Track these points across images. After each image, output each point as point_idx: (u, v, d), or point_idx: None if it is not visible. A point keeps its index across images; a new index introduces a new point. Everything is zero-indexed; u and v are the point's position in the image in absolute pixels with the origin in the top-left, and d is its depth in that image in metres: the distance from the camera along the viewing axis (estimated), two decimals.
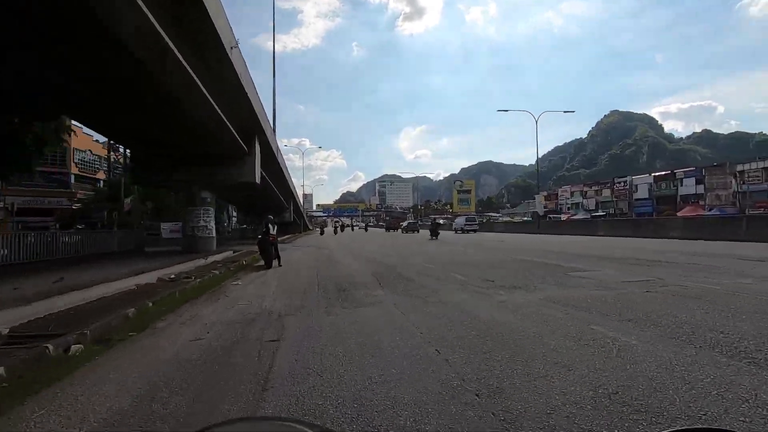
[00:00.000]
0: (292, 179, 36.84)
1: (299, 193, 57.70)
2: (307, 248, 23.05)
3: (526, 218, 66.27)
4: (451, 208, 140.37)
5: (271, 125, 21.28)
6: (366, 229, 61.77)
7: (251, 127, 16.65)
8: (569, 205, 78.03)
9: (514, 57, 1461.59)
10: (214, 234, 18.24)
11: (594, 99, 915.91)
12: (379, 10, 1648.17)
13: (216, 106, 12.26)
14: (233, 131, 14.77)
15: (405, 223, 52.42)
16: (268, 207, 30.80)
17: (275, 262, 13.18)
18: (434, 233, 28.14)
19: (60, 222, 27.77)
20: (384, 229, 59.84)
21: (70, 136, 21.98)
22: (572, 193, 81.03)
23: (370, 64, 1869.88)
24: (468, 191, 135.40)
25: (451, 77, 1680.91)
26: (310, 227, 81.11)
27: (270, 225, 13.62)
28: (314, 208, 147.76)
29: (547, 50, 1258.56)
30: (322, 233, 42.89)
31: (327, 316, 5.33)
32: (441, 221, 39.64)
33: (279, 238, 14.53)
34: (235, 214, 52.01)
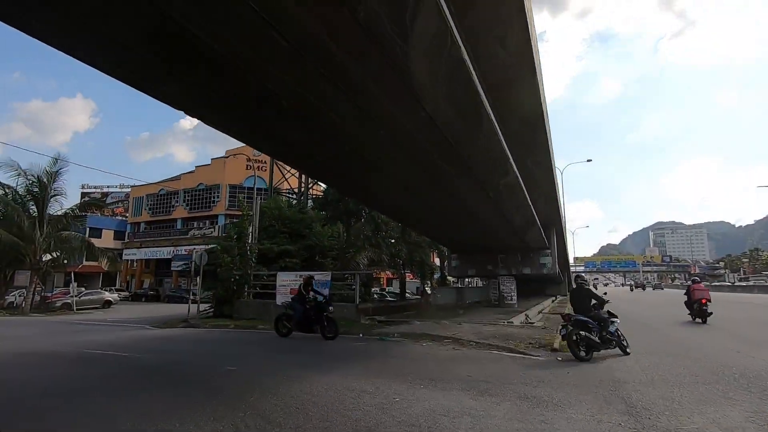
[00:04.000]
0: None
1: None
2: None
3: None
4: None
5: None
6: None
7: None
8: None
9: None
10: None
11: None
12: (635, 36, 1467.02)
13: None
14: None
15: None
16: (504, 245, 19.15)
17: None
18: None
19: None
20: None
21: None
22: None
23: (627, 99, 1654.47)
24: None
25: (748, 92, 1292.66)
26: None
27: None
28: (571, 262, 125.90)
29: None
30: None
31: None
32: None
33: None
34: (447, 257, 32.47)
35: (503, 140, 8.33)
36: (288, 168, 29.59)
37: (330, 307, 10.26)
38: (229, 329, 12.90)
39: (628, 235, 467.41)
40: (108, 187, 66.80)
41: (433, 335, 10.20)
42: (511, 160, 9.26)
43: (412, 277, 39.95)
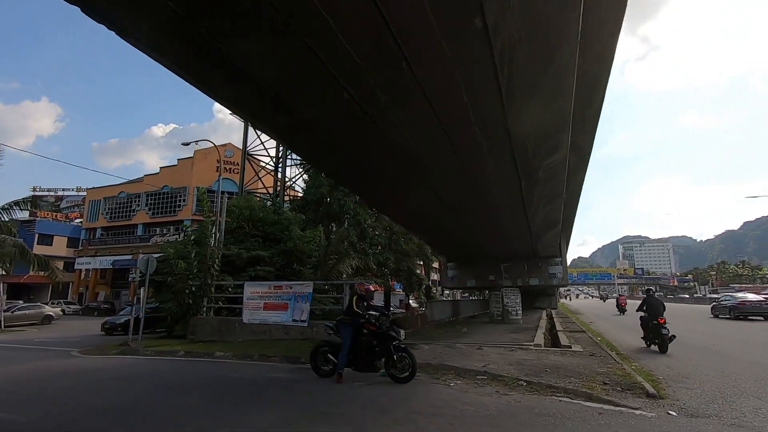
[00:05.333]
0: None
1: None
2: None
3: None
4: None
5: None
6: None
7: None
8: None
9: None
10: None
11: None
12: None
13: None
14: None
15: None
16: (509, 252, 16.47)
17: None
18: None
19: None
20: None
21: None
22: None
23: None
24: None
25: (715, 114, 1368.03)
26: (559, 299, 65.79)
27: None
28: None
29: None
30: None
31: None
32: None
33: None
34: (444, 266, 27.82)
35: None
36: (263, 165, 26.50)
37: (401, 331, 6.94)
38: (177, 357, 9.75)
39: (598, 249, 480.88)
40: (63, 190, 61.36)
41: (457, 367, 7.44)
42: (571, 127, 6.76)
43: (381, 289, 37.11)
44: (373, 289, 8.22)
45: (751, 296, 24.38)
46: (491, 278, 18.71)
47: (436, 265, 44.82)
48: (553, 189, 9.57)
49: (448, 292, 57.21)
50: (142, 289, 12.16)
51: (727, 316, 21.45)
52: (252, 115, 6.16)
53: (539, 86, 5.50)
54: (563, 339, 11.95)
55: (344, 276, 18.70)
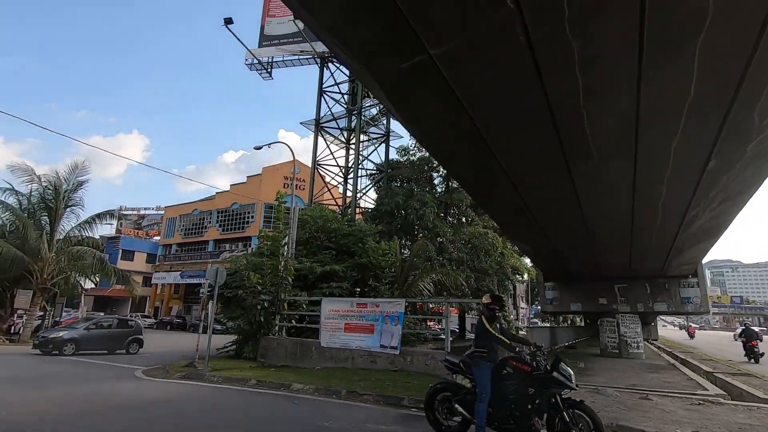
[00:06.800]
0: None
1: None
2: None
3: None
4: None
5: None
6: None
7: None
8: None
9: None
10: None
11: None
12: None
13: None
14: None
15: None
16: (628, 271, 13.43)
17: None
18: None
19: None
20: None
21: None
22: None
23: None
24: None
25: None
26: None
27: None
28: None
29: None
30: None
31: None
32: None
33: None
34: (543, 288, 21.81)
35: None
36: (332, 176, 25.39)
37: (571, 373, 4.53)
38: (247, 387, 8.04)
39: None
40: (145, 209, 65.69)
41: None
42: None
43: (457, 311, 34.14)
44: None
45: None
46: (602, 301, 15.52)
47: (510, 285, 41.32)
48: (752, 176, 6.74)
49: (514, 316, 52.51)
50: (210, 303, 10.83)
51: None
52: (357, 51, 4.31)
53: None
54: (740, 385, 8.75)
55: (425, 294, 16.53)
